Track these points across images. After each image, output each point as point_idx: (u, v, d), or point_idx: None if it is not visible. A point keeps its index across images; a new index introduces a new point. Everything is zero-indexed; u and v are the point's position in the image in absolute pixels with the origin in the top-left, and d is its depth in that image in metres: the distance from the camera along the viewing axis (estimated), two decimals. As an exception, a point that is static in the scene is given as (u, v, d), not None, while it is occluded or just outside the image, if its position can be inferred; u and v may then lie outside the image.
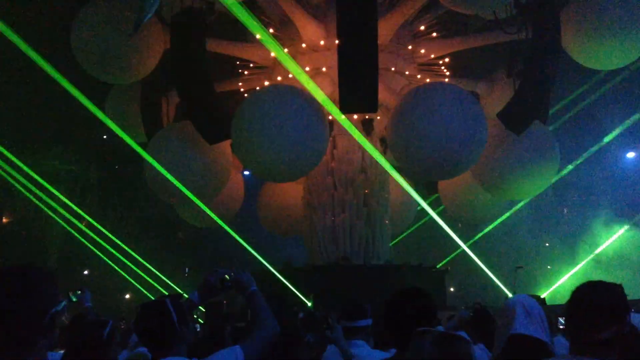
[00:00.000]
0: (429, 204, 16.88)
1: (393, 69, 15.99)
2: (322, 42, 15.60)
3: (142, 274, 20.98)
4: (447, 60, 17.28)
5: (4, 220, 27.18)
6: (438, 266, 18.87)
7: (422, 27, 16.88)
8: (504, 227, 23.37)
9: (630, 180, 25.82)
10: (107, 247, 20.03)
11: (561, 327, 6.32)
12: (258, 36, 15.86)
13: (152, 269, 20.84)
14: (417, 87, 14.99)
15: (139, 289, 21.96)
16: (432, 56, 17.04)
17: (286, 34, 16.30)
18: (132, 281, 21.58)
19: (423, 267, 16.82)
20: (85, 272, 28.11)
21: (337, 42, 12.73)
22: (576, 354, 2.38)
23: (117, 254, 20.27)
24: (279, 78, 16.21)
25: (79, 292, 4.01)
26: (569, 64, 15.56)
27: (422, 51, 16.78)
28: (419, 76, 16.71)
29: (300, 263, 17.27)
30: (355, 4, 12.32)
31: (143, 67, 14.86)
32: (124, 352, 3.65)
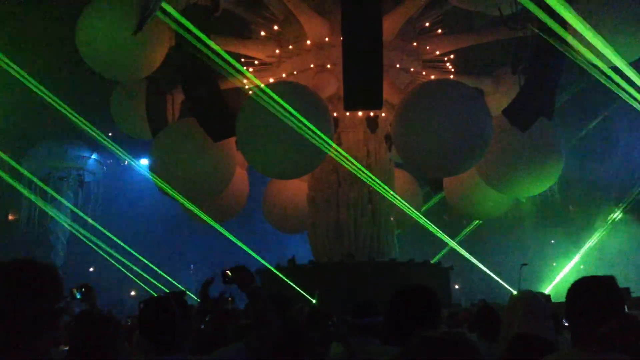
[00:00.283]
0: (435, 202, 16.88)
1: (398, 65, 15.95)
2: (326, 39, 15.57)
3: (147, 271, 21.05)
4: (452, 56, 17.23)
5: (10, 217, 27.31)
6: (437, 257, 18.85)
7: (427, 24, 16.83)
8: (509, 224, 23.35)
9: (636, 177, 25.71)
10: (112, 244, 20.10)
11: (566, 324, 6.30)
12: (262, 33, 15.88)
13: (157, 266, 20.91)
14: (422, 83, 14.95)
15: (144, 286, 22.04)
16: (437, 53, 16.99)
17: (291, 31, 16.28)
18: (136, 280, 21.66)
19: (428, 264, 16.79)
20: (91, 269, 28.23)
21: (341, 38, 12.70)
22: (579, 349, 2.37)
23: (123, 251, 20.34)
24: (284, 75, 16.20)
25: (83, 289, 4.01)
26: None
27: (427, 48, 16.73)
28: (423, 73, 16.66)
29: (304, 260, 17.27)
30: (360, 0, 12.29)
31: (148, 64, 14.88)
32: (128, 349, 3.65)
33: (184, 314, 2.84)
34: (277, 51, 16.51)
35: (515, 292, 3.71)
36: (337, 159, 15.51)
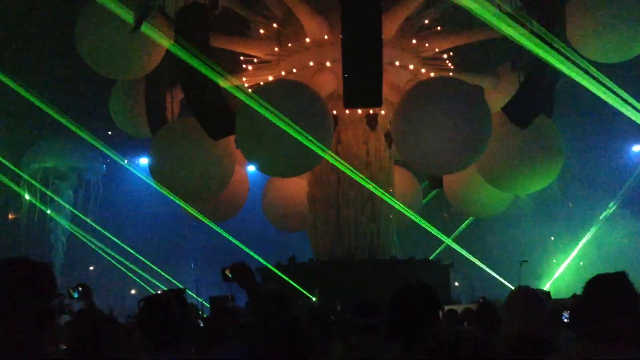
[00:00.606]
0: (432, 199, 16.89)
1: (397, 63, 15.93)
2: (326, 37, 15.55)
3: (147, 270, 21.07)
4: (451, 54, 17.21)
5: (10, 217, 27.31)
6: (434, 254, 18.86)
7: (426, 21, 16.81)
8: (509, 221, 23.36)
9: (634, 173, 25.71)
10: (112, 243, 20.12)
11: (566, 320, 6.31)
12: (261, 31, 15.85)
13: (157, 264, 20.93)
14: (421, 81, 14.94)
15: (144, 285, 22.06)
16: (437, 50, 16.97)
17: (290, 29, 16.26)
18: (136, 279, 21.67)
19: (428, 261, 16.81)
20: (91, 268, 28.23)
21: (341, 36, 12.69)
22: (588, 345, 2.38)
23: (122, 250, 20.35)
24: (283, 73, 16.19)
25: (80, 288, 4.02)
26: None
27: (427, 45, 16.71)
28: (423, 70, 16.64)
29: (305, 259, 17.28)
30: (359, -2, 12.28)
31: (147, 63, 14.86)
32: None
33: (184, 312, 2.84)
34: (277, 49, 16.49)
35: (514, 289, 3.70)
36: (336, 159, 15.54)
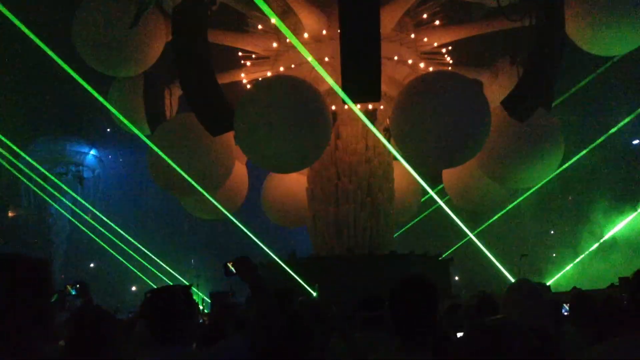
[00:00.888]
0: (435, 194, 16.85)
1: (396, 58, 15.91)
2: (324, 32, 15.52)
3: (149, 266, 21.08)
4: (450, 48, 17.18)
5: (10, 214, 27.31)
6: (444, 255, 18.87)
7: (425, 15, 16.76)
8: (509, 215, 23.35)
9: (633, 166, 25.74)
10: (113, 239, 20.13)
11: (566, 313, 6.31)
12: (260, 27, 15.81)
13: (158, 260, 20.94)
14: (420, 75, 14.92)
15: (146, 281, 22.08)
16: (435, 44, 16.93)
17: (288, 24, 16.21)
18: (138, 274, 21.69)
19: (428, 256, 16.82)
20: (92, 265, 28.26)
21: (339, 31, 12.66)
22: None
23: (123, 246, 20.36)
24: (282, 68, 16.16)
25: (78, 285, 4.03)
26: (574, 50, 15.46)
27: (425, 40, 16.68)
28: (422, 65, 16.61)
29: (305, 254, 17.30)
30: (357, -8, 12.23)
31: (145, 59, 14.83)
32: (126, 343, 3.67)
33: (189, 308, 2.85)
34: (275, 45, 16.46)
35: (512, 283, 3.71)
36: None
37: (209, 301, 15.89)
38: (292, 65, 15.94)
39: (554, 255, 26.79)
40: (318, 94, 13.44)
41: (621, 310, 4.31)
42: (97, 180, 27.41)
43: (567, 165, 17.37)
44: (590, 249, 23.96)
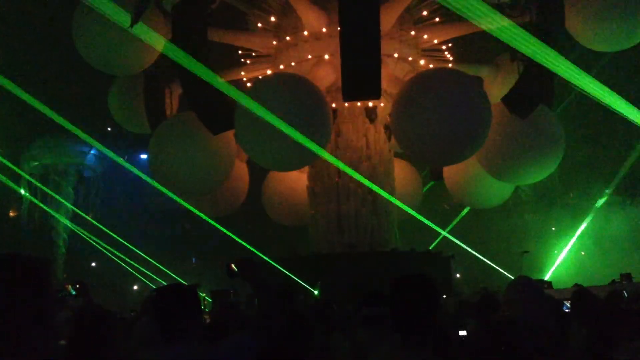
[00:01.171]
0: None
1: (396, 55, 15.89)
2: (324, 30, 15.50)
3: (149, 265, 21.11)
4: (450, 45, 17.16)
5: (11, 214, 27.34)
6: (433, 245, 18.87)
7: (425, 13, 16.74)
8: (510, 212, 23.35)
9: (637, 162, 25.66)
10: (114, 239, 20.15)
11: (567, 310, 6.30)
12: (260, 25, 15.80)
13: (159, 260, 20.96)
14: (420, 73, 14.90)
15: (146, 281, 22.12)
16: (435, 41, 16.91)
17: (288, 23, 16.21)
18: (138, 275, 21.71)
19: (429, 253, 16.82)
20: (93, 264, 28.28)
21: (339, 29, 12.65)
22: None
23: (124, 246, 20.38)
24: (282, 66, 16.15)
25: (78, 285, 4.04)
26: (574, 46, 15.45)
27: (425, 37, 16.66)
28: (422, 62, 16.59)
29: (306, 252, 17.29)
30: (357, -10, 12.22)
31: (145, 58, 14.82)
32: (128, 342, 3.68)
33: (195, 305, 2.86)
34: (275, 43, 16.44)
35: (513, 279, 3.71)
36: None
37: (210, 300, 15.90)
38: (292, 63, 15.93)
39: (556, 252, 26.78)
40: (318, 92, 13.43)
41: (622, 309, 4.31)
42: (98, 179, 27.41)
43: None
44: (591, 245, 23.97)
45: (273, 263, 15.28)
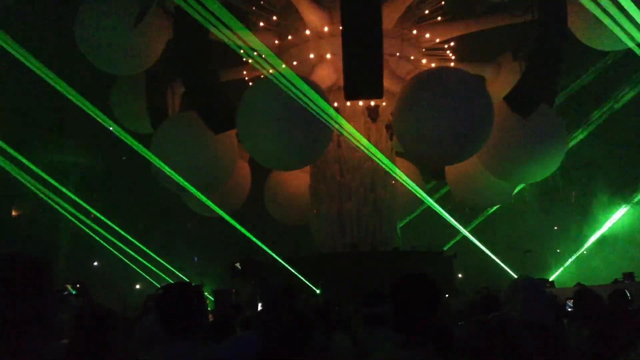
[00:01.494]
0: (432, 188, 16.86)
1: (398, 54, 15.88)
2: (326, 29, 15.50)
3: (151, 265, 21.12)
4: (452, 44, 17.14)
5: (14, 213, 27.38)
6: (445, 247, 18.85)
7: (427, 12, 16.73)
8: (512, 211, 23.31)
9: (630, 158, 25.60)
10: (116, 238, 20.17)
11: (569, 309, 6.29)
12: (261, 24, 15.79)
13: (161, 259, 20.97)
14: (422, 72, 14.89)
15: (150, 279, 22.14)
16: (437, 40, 16.90)
17: (290, 22, 16.20)
18: (141, 272, 21.73)
19: (431, 252, 16.81)
20: (95, 264, 28.31)
21: (341, 28, 12.64)
22: None
23: (126, 245, 20.40)
24: (283, 66, 16.14)
25: (78, 284, 4.05)
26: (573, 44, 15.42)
27: (427, 36, 16.65)
28: (424, 61, 16.58)
29: (308, 251, 17.30)
30: (359, -11, 12.21)
31: (147, 57, 14.83)
32: (130, 341, 3.68)
33: (201, 303, 2.87)
34: (277, 42, 16.44)
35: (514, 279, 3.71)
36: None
37: (212, 299, 15.90)
38: (295, 63, 15.93)
39: (558, 250, 26.73)
40: (320, 91, 13.42)
41: (625, 309, 4.30)
42: (100, 178, 27.44)
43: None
44: (593, 244, 23.90)
45: (279, 259, 15.28)
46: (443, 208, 16.38)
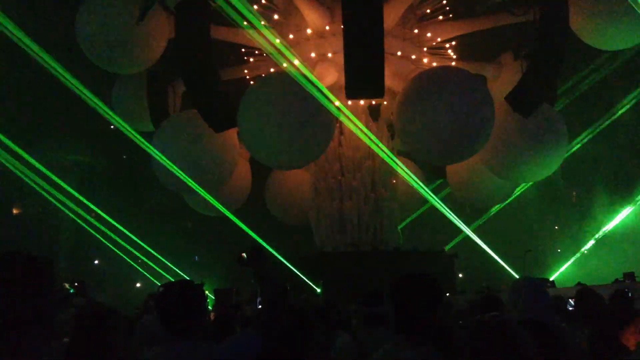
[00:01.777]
0: (435, 188, 16.86)
1: (399, 53, 15.87)
2: (327, 28, 15.49)
3: (152, 263, 21.14)
4: (453, 43, 17.12)
5: (15, 211, 27.41)
6: (446, 248, 18.84)
7: (428, 11, 16.71)
8: (513, 211, 23.29)
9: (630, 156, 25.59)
10: (117, 237, 20.18)
11: (570, 308, 6.29)
12: (262, 22, 15.77)
13: (162, 258, 20.99)
14: (423, 71, 14.88)
15: (151, 277, 22.16)
16: (439, 40, 16.88)
17: (291, 21, 16.20)
18: (142, 270, 21.76)
19: (432, 252, 16.81)
20: (96, 262, 28.34)
21: (342, 27, 12.63)
22: None
23: (127, 244, 20.41)
24: (285, 65, 16.13)
25: (76, 283, 4.05)
26: (574, 43, 15.39)
27: (429, 35, 16.63)
28: (425, 60, 16.56)
29: (309, 250, 17.29)
30: (360, -12, 12.20)
31: (148, 56, 14.83)
32: (130, 340, 3.69)
33: (201, 303, 2.88)
34: (278, 41, 16.42)
35: (516, 279, 3.72)
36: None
37: (213, 298, 15.91)
38: (296, 62, 15.91)
39: (559, 250, 26.73)
40: (321, 90, 13.42)
41: (626, 309, 4.29)
42: (100, 177, 27.47)
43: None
44: (593, 243, 23.89)
45: (279, 257, 15.29)
46: (444, 208, 16.38)
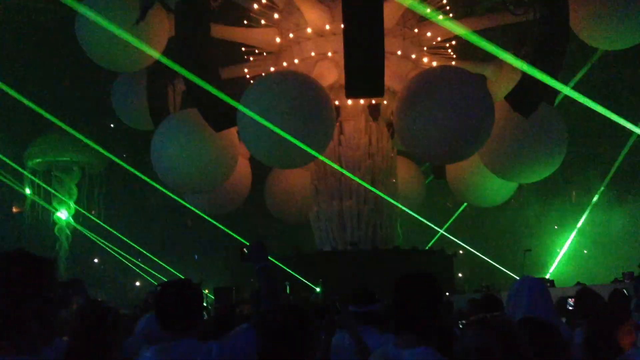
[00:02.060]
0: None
1: (399, 52, 15.86)
2: (327, 27, 15.48)
3: (151, 262, 21.16)
4: (453, 43, 17.12)
5: (14, 210, 27.41)
6: (430, 244, 18.88)
7: (428, 10, 16.68)
8: (512, 210, 23.32)
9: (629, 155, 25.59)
10: (117, 235, 20.20)
11: (570, 308, 6.30)
12: (263, 22, 15.77)
13: (161, 257, 21.01)
14: (423, 70, 14.88)
15: (148, 277, 22.17)
16: (439, 39, 16.87)
17: (291, 19, 16.19)
18: (140, 272, 21.77)
19: (432, 251, 16.82)
20: (96, 260, 28.36)
21: (342, 26, 12.62)
22: None
23: (127, 243, 20.43)
24: (285, 64, 16.13)
25: (75, 282, 4.05)
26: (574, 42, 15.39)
27: (429, 34, 16.62)
28: (425, 60, 16.56)
29: (308, 249, 17.30)
30: (360, -13, 12.19)
31: (148, 55, 14.81)
32: (130, 338, 3.69)
33: (198, 302, 2.88)
34: (278, 40, 16.42)
35: (518, 279, 3.71)
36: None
37: (212, 297, 15.92)
38: (296, 61, 15.91)
39: (558, 250, 26.73)
40: (321, 89, 13.42)
41: (625, 308, 4.30)
42: (100, 176, 27.45)
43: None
44: (593, 243, 23.91)
45: (275, 261, 15.29)
46: (444, 207, 16.40)
